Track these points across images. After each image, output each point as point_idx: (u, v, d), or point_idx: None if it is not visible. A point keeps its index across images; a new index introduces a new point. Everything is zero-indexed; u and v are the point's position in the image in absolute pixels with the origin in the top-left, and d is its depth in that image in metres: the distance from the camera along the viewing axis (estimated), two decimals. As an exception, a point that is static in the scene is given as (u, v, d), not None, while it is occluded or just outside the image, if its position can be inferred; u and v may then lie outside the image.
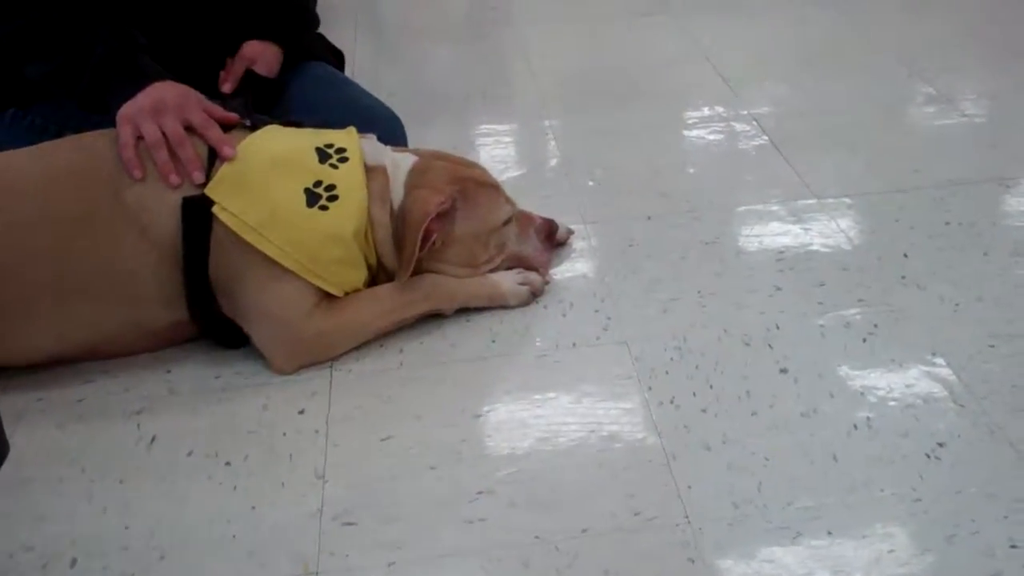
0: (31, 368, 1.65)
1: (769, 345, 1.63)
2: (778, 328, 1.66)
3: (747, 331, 1.66)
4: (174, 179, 1.58)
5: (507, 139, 2.41)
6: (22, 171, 1.63)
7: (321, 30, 2.19)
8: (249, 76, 1.93)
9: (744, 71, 2.66)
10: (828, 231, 1.92)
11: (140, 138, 1.61)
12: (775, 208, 2.01)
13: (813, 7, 3.09)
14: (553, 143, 2.35)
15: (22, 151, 1.67)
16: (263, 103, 1.92)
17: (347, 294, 1.65)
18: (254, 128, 1.67)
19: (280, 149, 1.63)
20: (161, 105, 1.63)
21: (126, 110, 1.64)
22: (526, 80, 2.74)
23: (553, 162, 2.26)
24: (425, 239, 1.63)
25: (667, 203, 2.05)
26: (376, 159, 1.68)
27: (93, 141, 1.65)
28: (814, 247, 1.87)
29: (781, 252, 1.86)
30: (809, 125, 2.35)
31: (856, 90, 2.52)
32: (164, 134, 1.60)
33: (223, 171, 1.57)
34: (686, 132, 2.38)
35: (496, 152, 2.33)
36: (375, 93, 2.10)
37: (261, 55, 1.94)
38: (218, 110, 1.67)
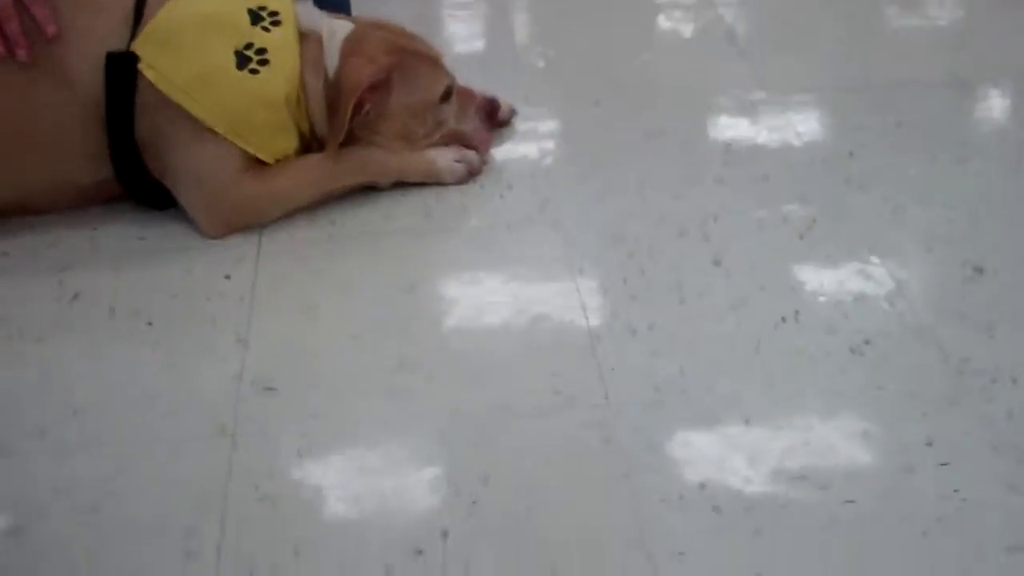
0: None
1: (705, 236, 1.62)
2: (715, 220, 1.65)
3: (684, 221, 1.64)
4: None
5: (461, 13, 2.35)
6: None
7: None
8: None
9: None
10: (777, 126, 1.90)
11: None
12: (725, 101, 1.98)
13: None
14: (508, 21, 2.29)
15: None
16: None
17: (278, 161, 1.61)
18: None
19: (210, 8, 1.57)
20: None
21: None
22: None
23: (506, 40, 2.22)
24: (357, 109, 1.59)
25: (616, 90, 2.01)
26: (311, 25, 1.63)
27: None
28: (760, 141, 1.85)
29: (728, 144, 1.84)
30: (769, 19, 2.31)
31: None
32: None
33: (150, 27, 1.51)
34: (645, 17, 2.33)
35: (448, 27, 2.28)
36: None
37: None
38: None
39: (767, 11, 2.34)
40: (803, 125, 1.90)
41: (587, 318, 1.45)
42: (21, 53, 1.50)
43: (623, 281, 1.53)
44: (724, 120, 1.92)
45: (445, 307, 1.48)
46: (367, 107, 1.61)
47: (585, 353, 1.40)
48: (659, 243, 1.60)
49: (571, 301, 1.49)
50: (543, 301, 1.49)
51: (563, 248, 1.59)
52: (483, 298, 1.50)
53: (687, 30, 2.27)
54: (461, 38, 2.22)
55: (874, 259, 1.57)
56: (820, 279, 1.53)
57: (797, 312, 1.47)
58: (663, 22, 2.30)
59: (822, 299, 1.49)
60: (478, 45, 2.21)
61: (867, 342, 1.42)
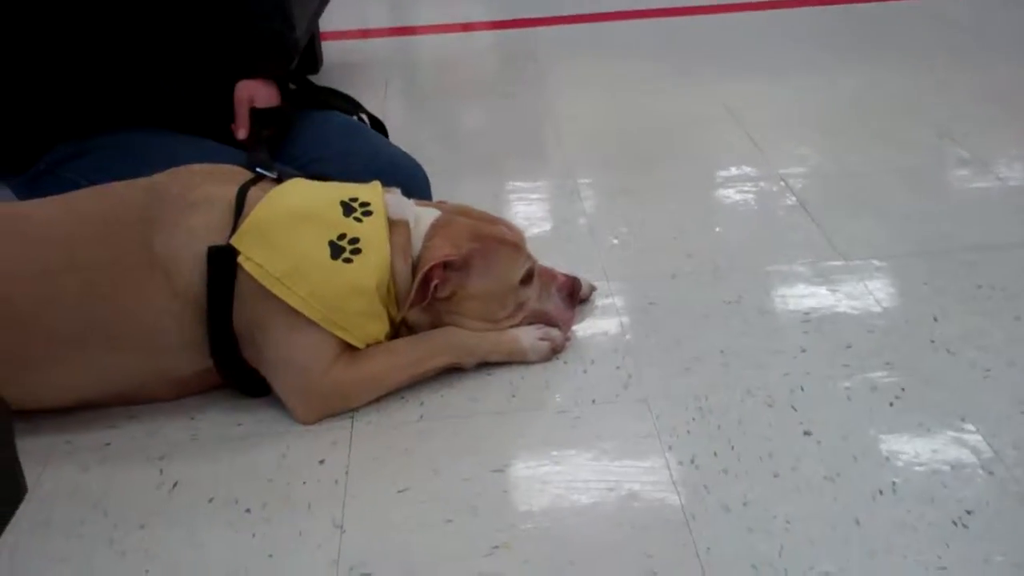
0: (58, 411, 1.67)
1: (793, 407, 1.61)
2: (802, 390, 1.65)
3: (770, 392, 1.65)
4: None
5: (534, 196, 2.43)
6: (49, 219, 1.67)
7: (353, 91, 2.23)
8: (255, 116, 2.00)
9: (772, 132, 2.68)
10: (855, 293, 1.91)
11: None
12: (801, 269, 2.00)
13: (842, 70, 3.11)
14: (579, 202, 2.36)
15: (49, 199, 1.71)
16: (278, 137, 2.00)
17: (368, 346, 1.66)
18: (279, 180, 1.70)
19: (305, 202, 1.66)
20: None
21: None
22: (554, 140, 2.77)
23: (579, 220, 2.27)
24: (424, 285, 1.64)
25: (691, 262, 2.05)
26: (399, 213, 1.69)
27: (121, 189, 1.68)
28: (841, 309, 1.86)
29: (807, 313, 1.85)
30: (837, 186, 2.35)
31: (885, 151, 2.53)
32: None
33: (249, 221, 1.59)
34: (713, 192, 2.38)
35: (522, 209, 2.35)
36: (407, 151, 2.13)
37: (257, 91, 2.02)
38: None
39: (834, 179, 2.39)
40: (882, 291, 1.91)
41: (679, 494, 1.45)
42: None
43: (713, 455, 1.52)
44: (801, 288, 1.94)
45: (535, 487, 1.48)
46: (435, 282, 1.66)
47: (680, 531, 1.38)
48: (747, 414, 1.60)
49: (662, 477, 1.48)
50: (633, 478, 1.49)
51: (650, 423, 1.60)
52: (573, 477, 1.50)
53: (756, 201, 2.31)
54: (535, 219, 2.28)
55: (968, 425, 1.55)
56: (915, 448, 1.52)
57: (894, 484, 1.45)
58: (732, 195, 2.35)
59: (918, 469, 1.48)
60: (551, 225, 2.27)
61: (969, 512, 1.40)
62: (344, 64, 3.33)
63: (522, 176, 2.56)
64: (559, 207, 2.38)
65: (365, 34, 3.88)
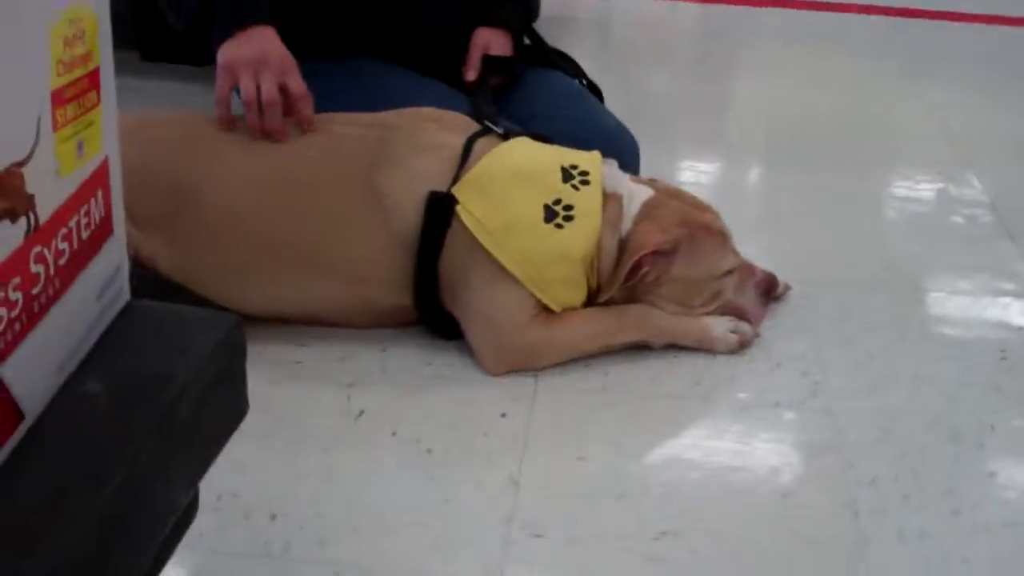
0: (253, 320, 1.72)
1: (981, 444, 1.57)
2: (992, 429, 1.61)
3: (959, 425, 1.61)
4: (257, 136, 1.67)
5: (728, 182, 2.40)
6: (282, 138, 1.71)
7: (564, 42, 2.24)
8: (486, 63, 2.02)
9: (986, 152, 2.57)
10: (1056, 336, 1.85)
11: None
12: (1005, 300, 1.94)
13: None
14: (776, 196, 2.33)
15: (283, 120, 1.73)
16: (504, 87, 2.03)
17: (563, 311, 1.68)
18: (506, 137, 1.72)
19: (527, 162, 1.68)
20: (263, 59, 1.70)
21: (227, 56, 1.71)
22: (757, 126, 2.72)
23: (775, 215, 2.24)
24: (634, 271, 1.65)
25: (891, 275, 2.01)
26: (615, 187, 1.70)
27: (352, 120, 1.73)
28: (1042, 349, 1.81)
29: (1004, 349, 1.80)
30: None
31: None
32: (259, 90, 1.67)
33: (472, 173, 1.62)
34: (915, 204, 2.32)
35: (714, 194, 2.31)
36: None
37: (493, 39, 2.06)
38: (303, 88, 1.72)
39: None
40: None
41: (856, 514, 1.43)
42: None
43: (895, 479, 1.50)
44: (1002, 319, 1.88)
45: (711, 481, 1.49)
46: (645, 269, 1.66)
47: (852, 552, 1.37)
48: (932, 445, 1.57)
49: (839, 495, 1.47)
50: (811, 490, 1.48)
51: (832, 436, 1.58)
52: (749, 476, 1.50)
53: (964, 222, 2.24)
54: (726, 207, 2.24)
55: None
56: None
57: (1078, 539, 1.41)
58: (933, 209, 2.29)
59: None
60: (748, 217, 2.22)
61: None
62: (555, 18, 3.33)
63: (714, 159, 2.53)
64: (755, 198, 2.36)
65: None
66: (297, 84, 1.71)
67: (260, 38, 1.73)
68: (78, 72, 1.08)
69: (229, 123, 1.70)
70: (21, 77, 0.99)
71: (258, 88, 1.68)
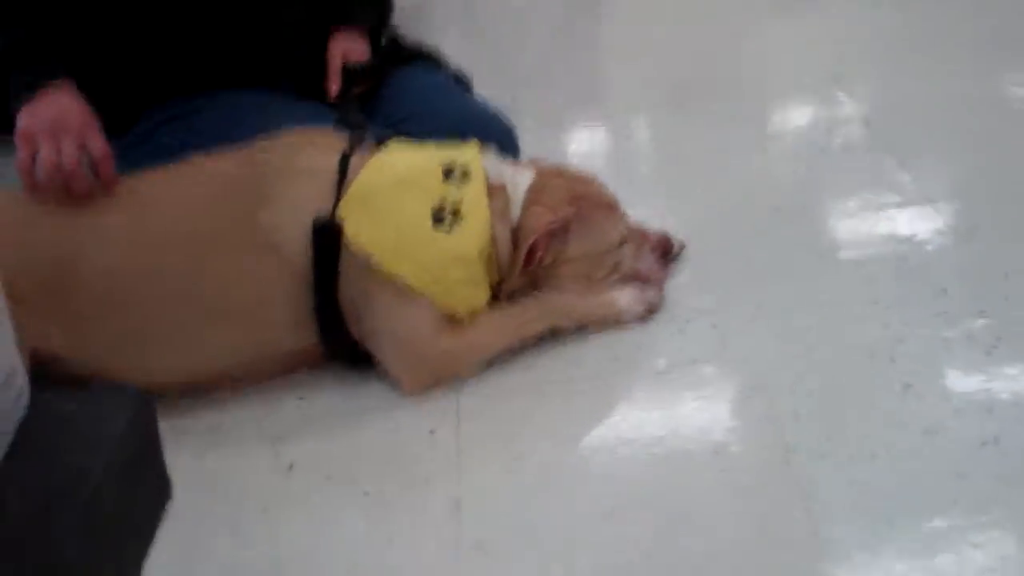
0: (166, 398, 1.67)
1: (892, 359, 1.61)
2: (902, 341, 1.65)
3: (870, 344, 1.64)
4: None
5: (612, 147, 2.42)
6: (155, 190, 1.70)
7: (422, 31, 2.22)
8: (347, 73, 1.99)
9: (857, 69, 2.61)
10: (947, 238, 1.89)
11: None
12: (891, 212, 1.98)
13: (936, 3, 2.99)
14: (660, 152, 2.35)
15: (155, 172, 1.72)
16: (368, 95, 2.00)
17: (470, 315, 1.68)
18: (377, 143, 1.71)
19: (405, 168, 1.67)
20: (62, 123, 1.67)
21: (24, 123, 1.67)
22: (634, 83, 2.74)
23: (661, 172, 2.26)
24: (531, 256, 1.66)
25: (781, 210, 2.04)
26: (497, 176, 1.70)
27: (222, 162, 1.70)
28: (933, 255, 1.85)
29: (901, 259, 1.84)
30: (923, 126, 2.30)
31: (974, 88, 2.44)
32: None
33: (351, 192, 1.61)
34: (793, 134, 2.36)
35: (599, 161, 2.34)
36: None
37: (350, 46, 2.02)
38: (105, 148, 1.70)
39: (916, 117, 2.33)
40: (976, 236, 1.88)
41: (788, 452, 1.46)
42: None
43: (818, 410, 1.52)
44: (893, 234, 1.91)
45: (644, 453, 1.51)
46: (540, 252, 1.67)
47: (792, 492, 1.40)
48: (848, 368, 1.60)
49: (769, 438, 1.49)
50: (742, 441, 1.50)
51: (752, 380, 1.61)
52: (681, 441, 1.52)
53: (838, 143, 2.28)
54: (611, 170, 2.24)
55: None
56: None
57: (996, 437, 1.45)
58: (811, 137, 2.33)
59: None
60: (628, 177, 2.22)
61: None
62: (411, 6, 3.30)
63: (593, 121, 2.54)
64: (641, 158, 2.37)
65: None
66: (96, 144, 1.68)
67: (57, 99, 1.69)
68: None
69: (39, 191, 1.66)
70: None
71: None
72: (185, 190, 1.69)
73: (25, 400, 1.35)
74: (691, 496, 1.43)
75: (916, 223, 1.94)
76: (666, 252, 1.84)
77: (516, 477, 1.50)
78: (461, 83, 2.17)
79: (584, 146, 2.43)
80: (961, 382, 1.56)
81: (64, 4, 1.86)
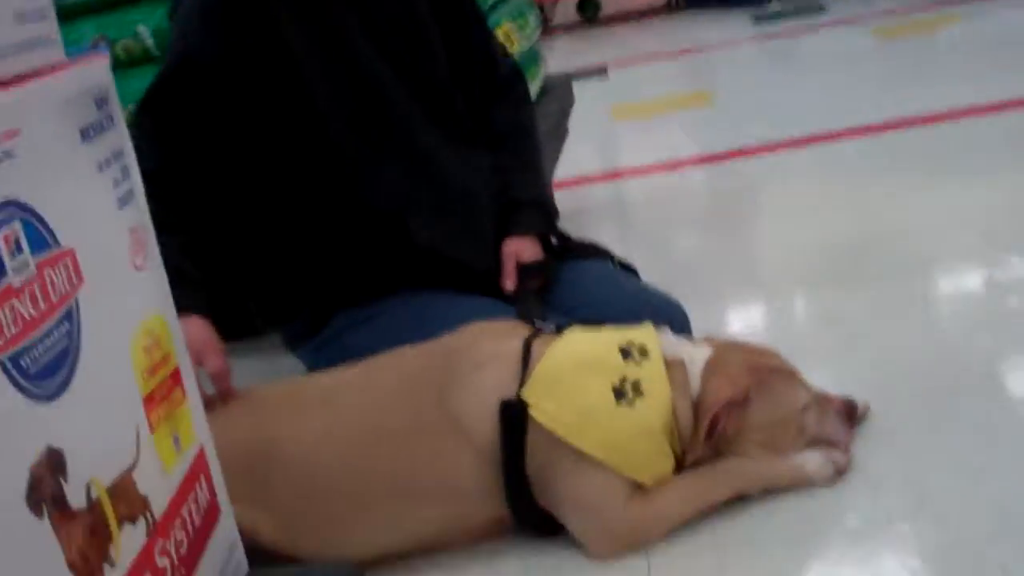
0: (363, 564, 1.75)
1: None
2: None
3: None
4: None
5: (780, 323, 2.44)
6: (349, 388, 1.82)
7: (586, 232, 2.34)
8: (522, 270, 2.12)
9: (1011, 227, 2.61)
10: None
11: None
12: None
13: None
14: (829, 324, 2.35)
15: (347, 368, 1.86)
16: (543, 289, 2.12)
17: (656, 483, 1.70)
18: (558, 331, 1.80)
19: (585, 350, 1.75)
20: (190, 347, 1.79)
21: None
22: (790, 264, 2.79)
23: (833, 343, 2.27)
24: (712, 427, 1.69)
25: (964, 372, 2.00)
26: (674, 353, 1.76)
27: (412, 356, 1.82)
28: None
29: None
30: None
31: None
32: None
33: (536, 373, 1.69)
34: (967, 299, 2.34)
35: (769, 337, 2.35)
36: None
37: (523, 247, 2.15)
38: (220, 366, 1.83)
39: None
40: None
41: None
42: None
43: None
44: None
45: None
46: (722, 423, 1.70)
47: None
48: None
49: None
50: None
51: (953, 536, 1.56)
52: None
53: (1005, 298, 2.25)
54: (785, 343, 2.28)
55: None
56: None
57: None
58: (989, 303, 2.30)
59: None
60: (805, 346, 2.25)
61: None
62: (571, 212, 3.48)
63: (765, 303, 2.59)
64: (810, 331, 2.39)
65: (581, 181, 4.05)
66: (213, 364, 1.81)
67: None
68: (161, 375, 1.18)
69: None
70: (118, 394, 1.09)
71: None
72: (375, 382, 1.81)
73: (244, 572, 1.43)
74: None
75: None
76: (851, 414, 1.83)
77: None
78: (629, 271, 2.27)
79: (750, 325, 2.46)
80: None
81: (262, 207, 2.08)
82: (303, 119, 2.04)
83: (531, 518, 1.73)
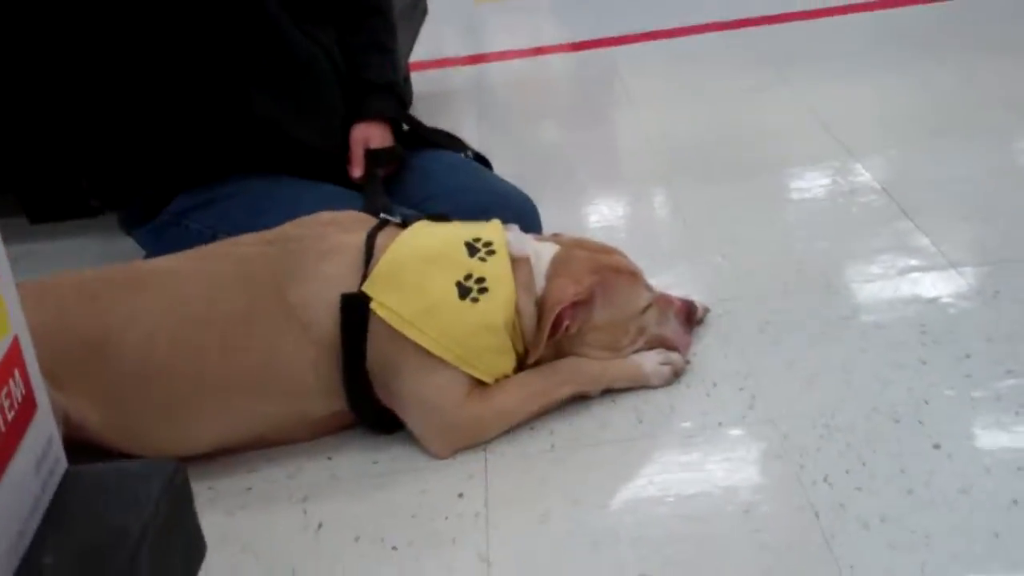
0: (198, 458, 1.71)
1: (920, 421, 1.62)
2: (927, 403, 1.66)
3: (895, 406, 1.66)
4: None
5: (632, 218, 2.46)
6: (188, 274, 1.74)
7: (442, 117, 2.28)
8: (370, 156, 2.07)
9: (868, 139, 2.66)
10: (970, 302, 1.91)
11: None
12: (913, 275, 2.00)
13: (936, 68, 3.07)
14: (679, 220, 2.38)
15: (185, 254, 1.78)
16: (391, 177, 2.07)
17: (496, 381, 1.70)
18: (404, 224, 1.75)
19: (431, 244, 1.71)
20: None
21: None
22: (647, 158, 2.79)
23: (681, 240, 2.30)
24: (556, 326, 1.69)
25: (801, 277, 2.06)
26: (520, 250, 1.74)
27: (252, 242, 1.75)
28: (957, 318, 1.86)
29: (923, 323, 1.85)
30: (941, 192, 2.34)
31: (988, 153, 2.50)
32: None
33: (379, 267, 1.65)
34: (812, 204, 2.38)
35: (621, 233, 2.38)
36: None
37: (372, 132, 2.11)
38: None
39: (931, 185, 2.37)
40: (997, 299, 1.90)
41: (816, 514, 1.47)
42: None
43: (845, 472, 1.54)
44: (915, 298, 1.94)
45: (673, 515, 1.51)
46: (565, 323, 1.70)
47: (821, 552, 1.40)
48: (874, 431, 1.61)
49: (797, 499, 1.50)
50: (768, 499, 1.51)
51: (778, 443, 1.62)
52: (709, 502, 1.53)
53: (860, 211, 2.31)
54: (635, 242, 2.27)
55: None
56: (1047, 456, 1.52)
57: (1029, 493, 1.45)
58: (829, 205, 2.35)
59: (1052, 476, 1.48)
60: (654, 247, 2.27)
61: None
62: (429, 95, 3.40)
63: (618, 197, 2.59)
64: (660, 228, 2.41)
65: (442, 63, 3.95)
66: None
67: None
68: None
69: None
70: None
71: None
72: (215, 270, 1.73)
73: (63, 468, 1.37)
74: (720, 556, 1.43)
75: (939, 286, 1.96)
76: (690, 316, 1.86)
77: (544, 538, 1.50)
78: (481, 163, 2.23)
79: (603, 220, 2.46)
80: (991, 441, 1.57)
81: (96, 84, 1.95)
82: None
83: (371, 414, 1.71)
